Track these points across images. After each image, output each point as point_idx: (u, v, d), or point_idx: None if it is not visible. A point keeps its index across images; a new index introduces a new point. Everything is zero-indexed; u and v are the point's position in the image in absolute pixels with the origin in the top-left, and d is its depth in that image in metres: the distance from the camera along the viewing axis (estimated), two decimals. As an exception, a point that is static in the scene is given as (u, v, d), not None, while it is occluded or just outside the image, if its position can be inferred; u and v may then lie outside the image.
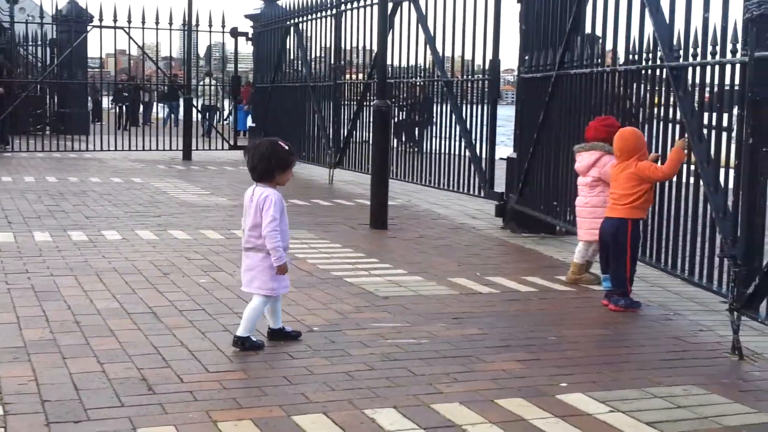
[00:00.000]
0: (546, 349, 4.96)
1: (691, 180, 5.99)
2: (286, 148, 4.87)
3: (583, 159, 6.65)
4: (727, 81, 5.61)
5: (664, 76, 6.46)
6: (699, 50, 5.85)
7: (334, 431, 3.64)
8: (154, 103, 28.05)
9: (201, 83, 21.85)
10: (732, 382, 4.45)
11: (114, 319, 5.28)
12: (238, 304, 5.76)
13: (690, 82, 6.07)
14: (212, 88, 22.56)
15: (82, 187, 12.07)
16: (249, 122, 20.97)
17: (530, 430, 3.71)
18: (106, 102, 26.90)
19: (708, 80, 5.81)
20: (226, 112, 23.88)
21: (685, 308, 6.03)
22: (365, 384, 4.24)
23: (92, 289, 6.07)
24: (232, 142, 18.85)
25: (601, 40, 7.41)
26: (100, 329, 5.07)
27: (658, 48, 6.41)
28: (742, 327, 5.04)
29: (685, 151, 5.90)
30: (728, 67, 5.53)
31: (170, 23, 17.29)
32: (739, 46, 5.31)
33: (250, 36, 18.08)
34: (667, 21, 6.32)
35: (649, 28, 6.57)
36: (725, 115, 5.82)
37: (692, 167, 5.99)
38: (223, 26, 17.99)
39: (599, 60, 7.51)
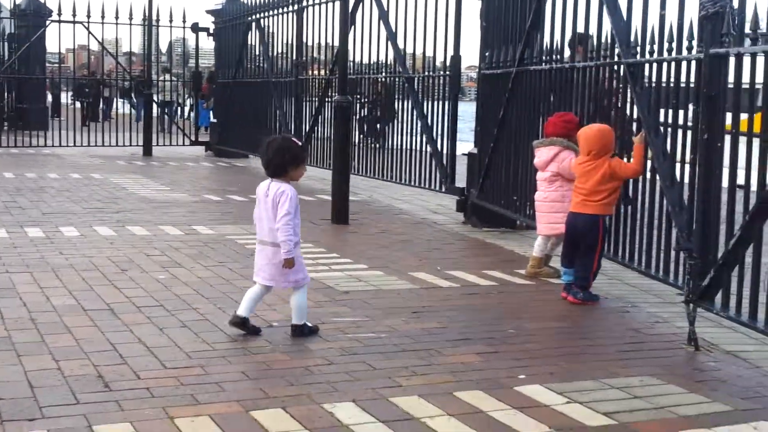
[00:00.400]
0: (505, 341, 4.98)
1: (648, 174, 6.04)
2: (299, 144, 5.11)
3: (542, 154, 6.71)
4: (683, 78, 5.66)
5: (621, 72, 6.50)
6: (656, 47, 5.90)
7: (293, 426, 3.63)
8: (115, 99, 27.76)
9: (161, 79, 21.68)
10: (688, 373, 4.51)
11: (70, 316, 5.23)
12: (197, 300, 5.74)
13: (647, 78, 6.13)
14: (170, 83, 22.38)
15: (39, 183, 11.93)
16: (210, 118, 20.84)
17: (488, 422, 3.73)
18: (65, 97, 26.57)
19: (664, 77, 5.86)
20: (187, 109, 23.71)
21: (642, 300, 6.10)
22: (324, 378, 4.24)
23: (48, 285, 6.00)
24: (193, 138, 18.73)
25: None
26: (56, 326, 5.01)
27: (616, 45, 6.45)
28: (698, 318, 5.10)
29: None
30: (684, 64, 5.59)
31: (130, 18, 17.14)
32: (694, 43, 5.36)
33: (211, 31, 17.96)
34: (625, 18, 6.37)
35: (607, 26, 6.61)
36: (681, 112, 5.87)
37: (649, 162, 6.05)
38: (184, 21, 17.88)
39: (558, 57, 7.54)
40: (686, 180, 5.43)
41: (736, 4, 4.90)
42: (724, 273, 4.89)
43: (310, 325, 5.05)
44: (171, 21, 17.65)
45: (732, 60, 4.94)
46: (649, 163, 5.96)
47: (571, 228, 6.16)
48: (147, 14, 17.43)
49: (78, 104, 23.74)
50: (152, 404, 3.83)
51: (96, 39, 17.23)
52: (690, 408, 3.95)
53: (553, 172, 6.62)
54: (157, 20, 17.65)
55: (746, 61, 4.82)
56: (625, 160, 6.14)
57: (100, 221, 8.86)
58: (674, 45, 5.64)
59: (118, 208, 9.83)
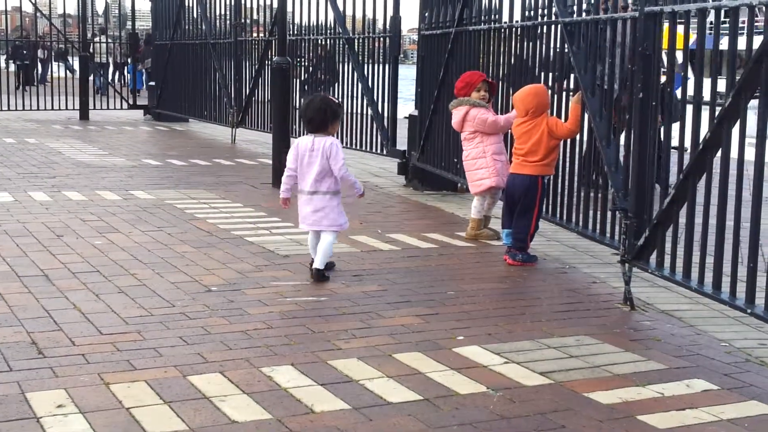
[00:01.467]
0: (444, 303, 5.01)
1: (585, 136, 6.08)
2: (336, 101, 5.74)
3: (454, 116, 6.94)
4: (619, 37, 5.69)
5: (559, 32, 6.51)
6: (592, 7, 5.91)
7: (230, 390, 3.61)
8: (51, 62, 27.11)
9: (96, 41, 21.27)
10: (623, 332, 4.57)
11: (4, 283, 5.13)
12: (134, 265, 5.66)
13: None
14: (106, 45, 21.95)
15: (-28, 149, 11.66)
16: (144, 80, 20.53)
17: (426, 383, 3.75)
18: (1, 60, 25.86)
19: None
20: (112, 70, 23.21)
21: (579, 261, 6.16)
22: (263, 342, 4.22)
23: (-19, 252, 5.88)
24: (131, 102, 18.43)
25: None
26: (-12, 293, 4.92)
27: (553, 4, 6.45)
28: (634, 278, 5.17)
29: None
30: (620, 23, 5.61)
31: (63, -22, 16.73)
32: (630, 1, 5.38)
33: (148, -8, 17.63)
34: (562, -23, 6.37)
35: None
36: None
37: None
38: (120, -18, 17.50)
39: (496, 16, 7.53)
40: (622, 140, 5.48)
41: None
42: (658, 232, 4.96)
43: (329, 268, 5.55)
44: (106, -19, 17.27)
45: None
46: (586, 123, 6.00)
47: (510, 189, 6.19)
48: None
49: (12, 67, 23.16)
50: (87, 370, 3.78)
51: (29, 0, 16.78)
52: (625, 366, 4.00)
53: (470, 131, 6.76)
54: (92, -20, 17.25)
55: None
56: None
57: (35, 186, 8.68)
58: (610, 4, 5.66)
59: (54, 173, 9.65)
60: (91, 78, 18.32)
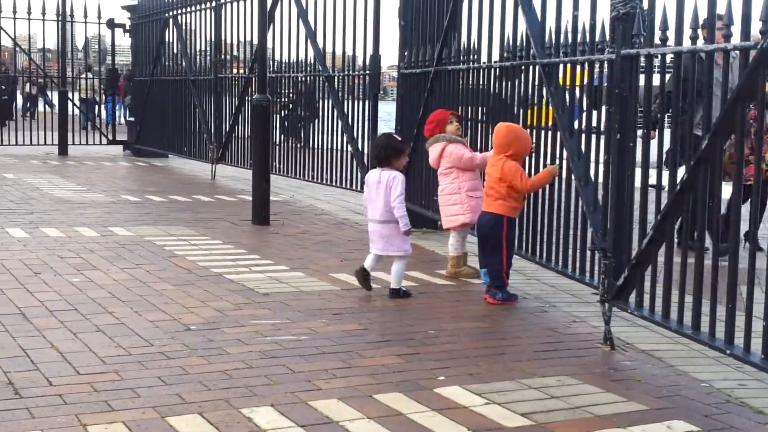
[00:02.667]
0: (425, 343, 4.99)
1: (564, 174, 6.12)
2: (399, 139, 6.37)
3: (431, 153, 7.00)
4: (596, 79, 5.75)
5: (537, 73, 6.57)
6: (569, 48, 5.97)
7: (210, 432, 3.58)
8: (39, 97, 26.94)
9: (82, 76, 21.27)
10: (603, 372, 4.57)
11: (-20, 322, 5.08)
12: (112, 303, 5.63)
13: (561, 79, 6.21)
14: (89, 81, 21.93)
15: (-51, 184, 11.59)
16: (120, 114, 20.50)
17: (408, 425, 3.73)
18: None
19: (578, 77, 5.94)
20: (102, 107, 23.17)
21: (559, 300, 6.18)
22: (243, 383, 4.19)
23: (-43, 290, 5.83)
24: (110, 137, 18.39)
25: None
26: (-36, 332, 4.87)
27: (531, 45, 6.52)
28: (614, 318, 5.18)
29: (555, 178, 6.07)
30: (597, 65, 5.67)
31: (43, 13, 16.75)
32: (606, 44, 5.44)
33: (128, 28, 17.65)
34: (540, 19, 6.44)
35: (522, 26, 6.68)
36: (594, 112, 5.96)
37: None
38: (99, 17, 17.53)
39: (475, 56, 7.59)
40: (600, 180, 5.51)
41: (646, 5, 5.00)
42: (637, 272, 4.98)
43: (404, 289, 6.09)
44: (86, 17, 17.32)
45: (642, 60, 5.04)
46: (564, 163, 6.04)
47: (478, 227, 6.26)
48: (60, 9, 17.05)
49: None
50: (65, 411, 3.73)
51: (8, 34, 16.79)
52: (605, 407, 4.00)
53: (446, 166, 6.83)
54: (71, 16, 17.29)
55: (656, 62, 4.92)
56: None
57: (12, 222, 8.63)
58: (587, 46, 5.72)
59: (32, 209, 9.60)
60: (77, 113, 18.31)
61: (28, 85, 25.34)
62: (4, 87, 23.94)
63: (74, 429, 3.55)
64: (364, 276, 6.15)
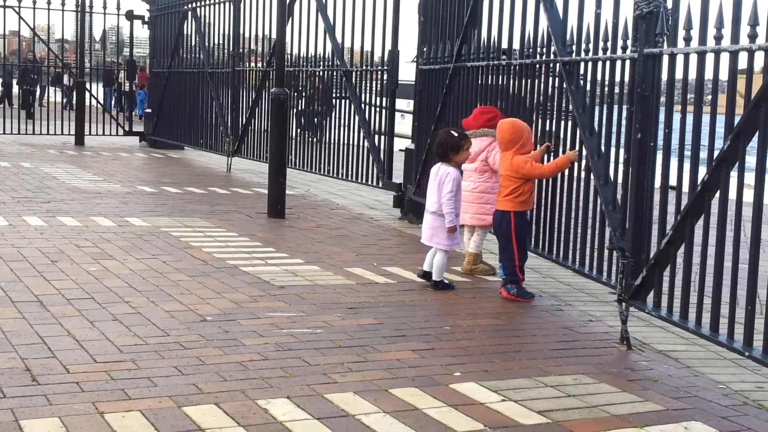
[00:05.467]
0: (440, 338, 4.99)
1: (582, 174, 6.10)
2: (456, 135, 6.28)
3: (475, 144, 6.69)
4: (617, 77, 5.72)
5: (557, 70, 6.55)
6: (591, 46, 5.95)
7: (226, 422, 3.58)
8: (47, 87, 27.05)
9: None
10: (620, 372, 4.56)
11: (-3, 308, 5.10)
12: (128, 293, 5.64)
13: (582, 77, 6.18)
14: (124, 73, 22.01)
15: (-34, 172, 11.64)
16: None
17: (423, 420, 3.72)
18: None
19: (599, 76, 5.91)
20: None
21: (575, 299, 6.16)
22: (259, 374, 4.19)
23: (-25, 276, 5.85)
24: (127, 128, 18.44)
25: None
26: (-18, 318, 4.89)
27: (552, 43, 6.50)
28: (630, 318, 5.17)
29: (574, 164, 6.02)
30: (618, 63, 5.65)
31: (63, 4, 16.81)
32: (629, 42, 5.42)
33: (146, 19, 17.69)
34: (561, 16, 6.42)
35: (544, 23, 6.66)
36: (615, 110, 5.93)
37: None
38: (119, 9, 17.58)
39: (495, 53, 7.57)
40: (620, 179, 5.49)
41: (670, 4, 4.97)
42: (656, 272, 4.96)
43: (447, 281, 6.23)
44: (105, 8, 17.36)
45: (666, 59, 5.00)
46: (583, 162, 6.02)
47: (493, 223, 6.26)
48: (80, 0, 17.09)
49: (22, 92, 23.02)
50: (82, 399, 3.74)
51: (27, 24, 16.84)
52: (622, 407, 3.99)
53: (484, 162, 6.69)
54: (91, 7, 17.34)
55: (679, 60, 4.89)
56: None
57: (29, 211, 8.66)
58: (609, 44, 5.70)
59: (49, 198, 9.63)
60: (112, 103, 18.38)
61: (66, 76, 25.21)
62: (35, 77, 23.95)
63: (91, 416, 3.56)
64: (425, 276, 6.31)
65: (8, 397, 3.72)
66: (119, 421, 3.53)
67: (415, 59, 9.60)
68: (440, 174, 6.25)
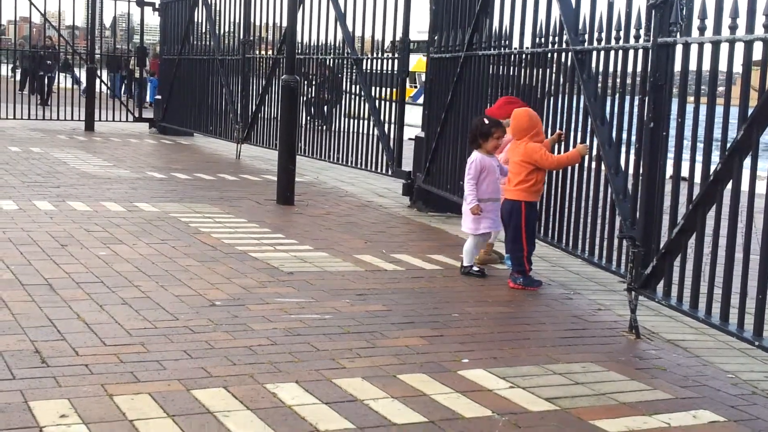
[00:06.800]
0: (449, 325, 4.99)
1: (593, 164, 6.08)
2: (487, 122, 6.32)
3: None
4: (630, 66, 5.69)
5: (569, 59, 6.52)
6: (603, 35, 5.92)
7: (234, 405, 3.59)
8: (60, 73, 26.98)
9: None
10: (629, 360, 4.55)
11: (7, 291, 5.11)
12: (138, 277, 5.65)
13: (594, 66, 6.15)
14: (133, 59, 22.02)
15: (-23, 156, 11.67)
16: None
17: (431, 405, 3.72)
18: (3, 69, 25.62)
19: (611, 65, 5.89)
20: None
21: (584, 288, 6.15)
22: (267, 359, 4.20)
23: (-15, 259, 5.87)
24: (136, 114, 18.45)
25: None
26: (-8, 300, 4.90)
27: (564, 32, 6.47)
28: (640, 307, 5.16)
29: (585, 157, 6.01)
30: (631, 53, 5.62)
31: (74, -10, 16.79)
32: (642, 31, 5.39)
33: (157, 6, 17.67)
34: (573, 5, 6.39)
35: (555, 12, 6.63)
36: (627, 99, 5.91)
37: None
38: (130, -5, 17.57)
39: (506, 42, 7.55)
40: (631, 169, 5.47)
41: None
42: (666, 262, 4.94)
43: (477, 268, 6.30)
44: (116, -6, 17.37)
45: (679, 49, 4.97)
46: (594, 150, 6.00)
47: (501, 213, 6.22)
48: (91, -14, 17.10)
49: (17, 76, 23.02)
50: (91, 381, 3.75)
51: (38, 10, 16.85)
52: (630, 395, 3.98)
53: (503, 158, 6.63)
54: (102, -7, 17.34)
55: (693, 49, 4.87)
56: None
57: (39, 195, 8.68)
58: (622, 33, 5.67)
59: (59, 183, 9.65)
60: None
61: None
62: (50, 63, 23.89)
63: (101, 398, 3.57)
64: (461, 270, 6.37)
65: (18, 378, 3.73)
66: (128, 403, 3.54)
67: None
68: (469, 161, 6.38)
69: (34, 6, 16.74)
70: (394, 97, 10.28)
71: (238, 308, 5.06)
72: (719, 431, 3.61)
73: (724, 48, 4.60)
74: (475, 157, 6.30)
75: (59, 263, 5.89)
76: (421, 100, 10.15)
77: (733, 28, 4.50)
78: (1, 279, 5.38)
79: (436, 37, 9.21)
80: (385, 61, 10.60)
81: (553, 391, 3.96)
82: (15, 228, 6.97)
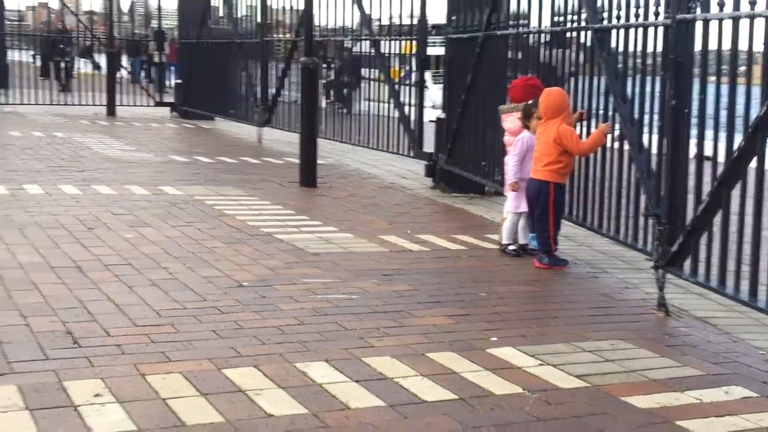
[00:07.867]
0: (476, 304, 4.99)
1: (616, 144, 6.05)
2: (529, 103, 6.30)
3: (514, 121, 6.59)
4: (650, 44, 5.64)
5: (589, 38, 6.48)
6: (623, 13, 5.87)
7: (266, 384, 3.61)
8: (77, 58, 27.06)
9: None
10: (658, 337, 4.54)
11: (37, 273, 5.16)
12: (165, 259, 5.68)
13: (614, 44, 6.11)
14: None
15: (1, 141, 11.73)
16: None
17: (461, 383, 3.73)
18: (17, 55, 25.67)
19: (632, 43, 5.84)
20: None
21: (611, 266, 6.13)
22: (296, 338, 4.22)
23: (14, 242, 5.92)
24: (158, 99, 18.49)
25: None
26: (23, 283, 4.95)
27: (583, 10, 6.42)
28: (667, 285, 5.13)
29: (608, 137, 5.97)
30: (651, 30, 5.56)
31: (93, -25, 16.84)
32: (661, 9, 5.34)
33: (175, -10, 17.71)
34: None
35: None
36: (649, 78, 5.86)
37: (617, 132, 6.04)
38: (148, -20, 17.60)
39: (526, 21, 7.50)
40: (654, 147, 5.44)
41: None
42: (692, 239, 4.92)
43: (514, 248, 6.31)
44: (135, -21, 17.38)
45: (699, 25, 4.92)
46: (617, 131, 5.97)
47: (527, 192, 6.18)
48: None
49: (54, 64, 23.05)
50: (123, 361, 3.79)
51: (58, -4, 16.91)
52: (661, 372, 3.98)
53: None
54: (121, -22, 17.36)
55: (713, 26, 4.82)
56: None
57: (64, 179, 8.73)
58: (641, 11, 5.62)
59: (83, 167, 9.70)
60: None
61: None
62: (68, 48, 23.92)
63: (133, 378, 3.60)
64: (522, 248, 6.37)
65: (51, 359, 3.77)
66: (160, 382, 3.57)
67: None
68: (516, 137, 6.41)
69: (54, -8, 16.81)
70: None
71: (265, 289, 5.08)
72: (752, 407, 3.61)
73: (745, 24, 4.55)
74: (524, 135, 6.30)
75: (87, 246, 5.93)
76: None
77: (753, 3, 4.46)
78: (30, 262, 5.42)
79: (454, 18, 9.16)
80: (404, 42, 10.54)
81: (583, 369, 3.96)
82: (42, 212, 7.02)
